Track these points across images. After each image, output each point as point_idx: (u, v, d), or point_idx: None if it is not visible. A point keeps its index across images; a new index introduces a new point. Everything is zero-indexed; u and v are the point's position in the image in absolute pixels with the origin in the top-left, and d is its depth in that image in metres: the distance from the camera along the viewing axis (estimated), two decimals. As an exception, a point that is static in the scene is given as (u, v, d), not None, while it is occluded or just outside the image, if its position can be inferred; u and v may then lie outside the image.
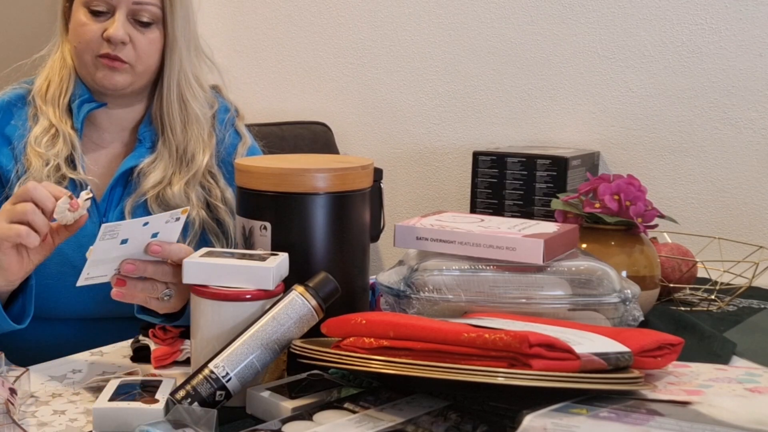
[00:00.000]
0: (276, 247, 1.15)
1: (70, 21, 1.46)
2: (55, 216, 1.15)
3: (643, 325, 1.27)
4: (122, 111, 1.49)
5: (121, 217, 1.41)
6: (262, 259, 1.09)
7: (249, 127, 1.61)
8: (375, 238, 2.42)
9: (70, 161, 1.43)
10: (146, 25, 1.43)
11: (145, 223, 1.11)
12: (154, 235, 1.13)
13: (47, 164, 1.40)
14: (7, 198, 1.40)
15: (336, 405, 0.98)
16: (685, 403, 0.93)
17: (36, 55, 1.52)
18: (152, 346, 1.20)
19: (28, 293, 1.27)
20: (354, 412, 0.96)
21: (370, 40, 2.61)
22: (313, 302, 1.05)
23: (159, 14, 1.43)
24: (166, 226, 1.13)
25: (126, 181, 1.46)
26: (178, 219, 1.14)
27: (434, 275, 1.17)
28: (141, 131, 1.49)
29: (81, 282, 1.12)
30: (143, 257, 1.13)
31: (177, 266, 1.14)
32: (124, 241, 1.10)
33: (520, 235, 1.18)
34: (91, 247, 1.09)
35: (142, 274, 1.13)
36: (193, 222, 1.44)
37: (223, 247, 1.46)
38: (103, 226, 1.07)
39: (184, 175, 1.46)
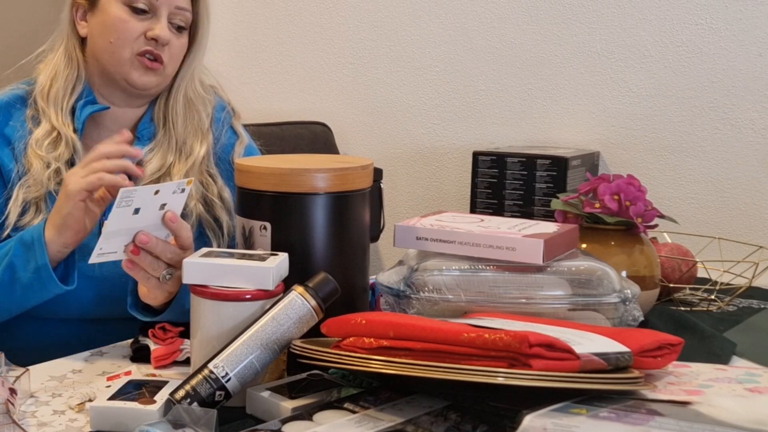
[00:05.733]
0: (276, 247, 1.15)
1: (96, 15, 1.44)
2: None
3: (643, 325, 1.27)
4: (127, 110, 1.50)
5: None
6: (262, 259, 1.09)
7: (248, 126, 1.61)
8: (375, 238, 2.42)
9: (71, 165, 1.43)
10: (180, 29, 1.46)
11: (156, 191, 1.13)
12: (162, 206, 1.14)
13: (48, 167, 1.40)
14: (8, 198, 1.40)
15: (336, 405, 0.98)
16: (685, 403, 0.93)
17: (38, 50, 1.51)
18: (152, 346, 1.20)
19: (69, 257, 1.28)
20: (354, 412, 0.96)
21: (370, 40, 2.60)
22: (313, 302, 1.05)
23: (190, 21, 1.47)
24: (173, 197, 1.15)
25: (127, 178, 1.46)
26: (183, 190, 1.16)
27: (434, 275, 1.17)
28: (140, 129, 1.49)
29: (93, 259, 1.13)
30: (154, 232, 1.15)
31: (180, 248, 1.17)
32: (136, 211, 1.12)
33: (520, 235, 1.18)
34: (105, 221, 1.11)
35: (153, 249, 1.15)
36: (190, 214, 1.44)
37: (219, 243, 1.47)
38: (121, 190, 1.09)
39: (183, 166, 1.47)
